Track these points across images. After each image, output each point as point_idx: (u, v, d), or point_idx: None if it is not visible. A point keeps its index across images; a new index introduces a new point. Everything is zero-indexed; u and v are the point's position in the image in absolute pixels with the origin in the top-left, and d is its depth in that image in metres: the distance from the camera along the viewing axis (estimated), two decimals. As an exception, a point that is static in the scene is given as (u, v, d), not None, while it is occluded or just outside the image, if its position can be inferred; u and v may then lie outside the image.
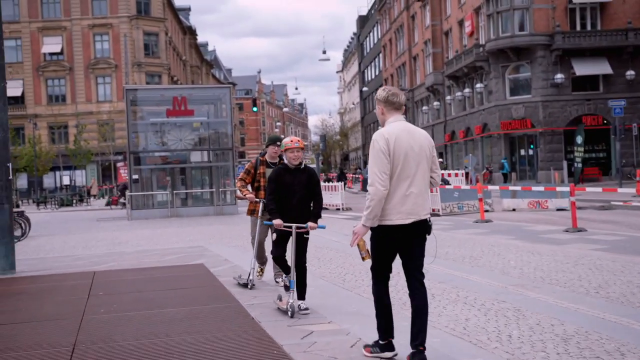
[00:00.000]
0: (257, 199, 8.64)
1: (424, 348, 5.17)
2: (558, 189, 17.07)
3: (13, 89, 60.72)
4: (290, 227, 6.97)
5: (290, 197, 7.01)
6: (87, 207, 39.33)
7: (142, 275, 10.00)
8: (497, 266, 10.31)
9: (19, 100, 61.44)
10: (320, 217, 7.16)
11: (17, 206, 41.96)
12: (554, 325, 6.52)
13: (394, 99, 5.21)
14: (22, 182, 58.22)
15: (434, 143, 5.43)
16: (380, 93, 5.28)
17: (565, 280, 8.88)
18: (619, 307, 7.20)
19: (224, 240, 15.27)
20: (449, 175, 31.90)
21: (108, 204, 38.39)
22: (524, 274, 9.52)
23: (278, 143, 8.35)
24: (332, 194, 26.63)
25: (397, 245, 5.22)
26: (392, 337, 5.43)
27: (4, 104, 11.47)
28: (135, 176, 25.22)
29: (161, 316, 7.06)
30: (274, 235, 7.33)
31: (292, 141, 7.09)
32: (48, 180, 59.91)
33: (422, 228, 5.21)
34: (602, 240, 13.14)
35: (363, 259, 5.35)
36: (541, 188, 18.86)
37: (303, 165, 7.13)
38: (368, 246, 5.31)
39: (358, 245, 5.24)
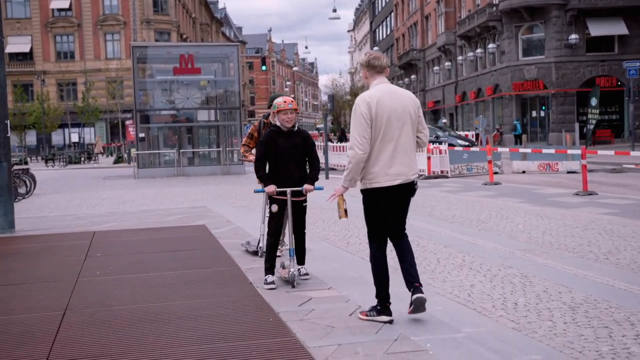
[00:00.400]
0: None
1: (420, 284, 5.31)
2: (569, 151, 16.71)
3: (21, 45, 60.43)
4: (285, 194, 6.47)
5: (286, 163, 6.47)
6: (94, 165, 39.24)
7: (142, 236, 9.83)
8: (505, 230, 10.09)
9: (27, 57, 61.10)
10: (317, 179, 6.78)
11: (25, 163, 42.02)
12: (562, 293, 6.30)
13: (376, 62, 5.18)
14: (30, 139, 58.22)
15: (419, 103, 5.46)
16: (362, 57, 5.30)
17: (575, 246, 8.65)
18: (629, 274, 6.97)
19: (229, 201, 15.08)
20: (466, 135, 31.61)
21: (116, 161, 38.31)
22: (532, 239, 9.29)
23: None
24: (340, 154, 26.36)
25: (388, 206, 5.27)
26: (389, 303, 5.37)
27: (1, 60, 11.17)
28: (141, 135, 24.99)
29: (158, 279, 6.89)
30: (274, 206, 6.54)
31: (285, 102, 6.48)
32: (57, 138, 59.87)
33: (410, 189, 5.31)
34: (613, 204, 12.87)
35: (340, 217, 5.57)
36: (552, 150, 18.52)
37: (297, 128, 6.59)
38: (346, 206, 5.51)
39: (338, 204, 5.48)
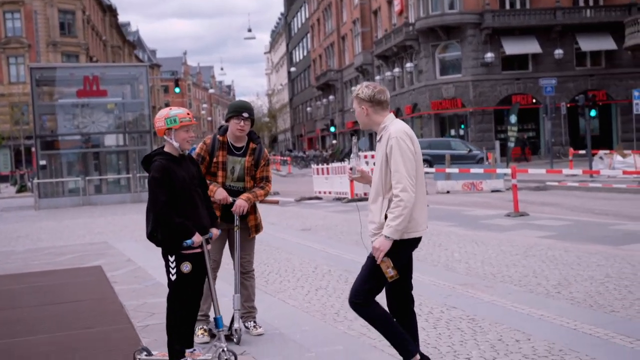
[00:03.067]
0: (232, 199, 5.63)
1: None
2: (499, 170, 16.08)
3: None
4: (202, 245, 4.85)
5: (192, 198, 4.84)
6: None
7: (22, 283, 8.36)
8: (440, 260, 9.14)
9: None
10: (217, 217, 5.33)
11: None
12: (520, 342, 5.33)
13: (382, 97, 4.43)
14: None
15: None
16: (364, 91, 4.43)
17: (519, 277, 7.76)
18: (590, 313, 6.07)
19: (135, 233, 13.62)
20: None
21: (19, 190, 35.89)
22: (472, 270, 8.36)
23: (245, 114, 5.57)
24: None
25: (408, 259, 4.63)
26: (418, 350, 4.59)
27: None
28: (42, 162, 23.09)
29: (25, 348, 5.48)
30: (186, 265, 4.74)
31: (188, 114, 4.92)
32: (-45, 167, 56.24)
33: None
34: (547, 226, 12.19)
35: (391, 278, 4.41)
36: (480, 170, 17.88)
37: (187, 152, 4.99)
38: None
39: (380, 264, 4.36)
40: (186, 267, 4.73)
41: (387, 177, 4.30)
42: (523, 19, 41.03)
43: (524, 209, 14.26)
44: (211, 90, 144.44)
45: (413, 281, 7.80)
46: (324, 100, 68.71)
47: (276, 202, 5.21)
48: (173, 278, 4.74)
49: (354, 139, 4.94)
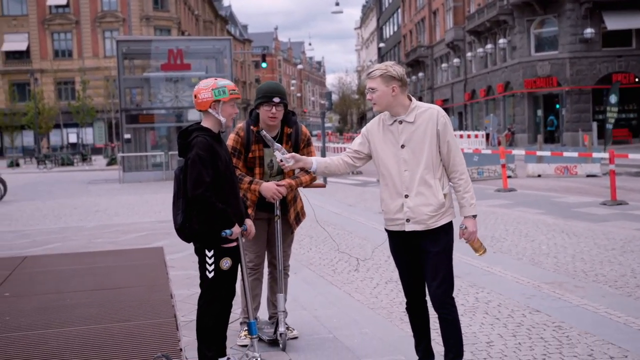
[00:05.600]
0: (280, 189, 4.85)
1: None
2: (594, 154, 14.91)
3: (18, 43, 58.89)
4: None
5: (233, 183, 4.33)
6: (85, 167, 37.60)
7: (77, 263, 8.08)
8: (526, 252, 8.35)
9: (24, 55, 59.48)
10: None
11: (17, 165, 40.48)
12: (614, 359, 4.57)
13: (406, 77, 4.23)
14: (28, 139, 56.61)
15: None
16: (396, 69, 4.15)
17: (615, 277, 6.91)
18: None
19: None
20: (468, 136, 29.80)
21: (109, 163, 36.70)
22: (560, 265, 7.56)
23: (276, 99, 4.80)
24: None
25: None
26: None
27: None
28: (127, 135, 23.26)
29: (51, 342, 5.09)
30: (226, 261, 4.21)
31: (235, 88, 4.35)
32: (55, 138, 58.21)
33: None
34: (649, 217, 11.10)
35: (482, 252, 4.27)
36: (574, 154, 16.68)
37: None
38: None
39: (474, 244, 4.24)
40: (226, 263, 4.19)
41: (437, 156, 4.09)
42: (628, -8, 38.55)
43: (622, 197, 13.14)
44: (300, 66, 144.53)
45: (493, 276, 7.14)
46: (413, 77, 67.32)
47: (322, 186, 4.70)
48: (210, 276, 4.19)
49: (263, 132, 4.59)
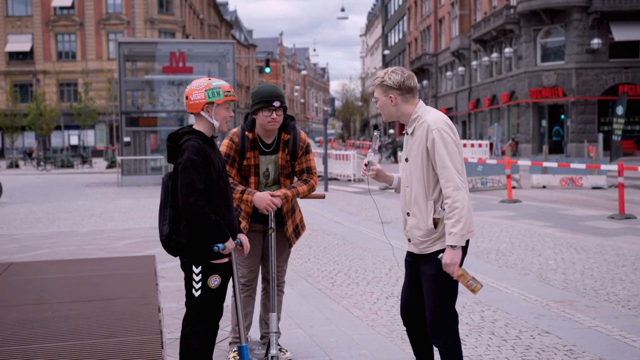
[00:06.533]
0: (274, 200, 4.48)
1: None
2: (603, 166, 14.55)
3: (22, 44, 58.70)
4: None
5: (227, 192, 3.96)
6: (85, 170, 37.29)
7: (64, 271, 7.71)
8: (533, 268, 8.00)
9: (27, 56, 59.27)
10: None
11: (16, 166, 40.19)
12: (631, 389, 4.23)
13: (411, 82, 3.82)
14: (29, 140, 56.34)
15: None
16: (392, 77, 3.78)
17: (628, 296, 6.57)
18: None
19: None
20: (472, 145, 29.44)
21: (109, 166, 36.42)
22: (569, 282, 7.21)
23: (276, 103, 4.43)
24: (343, 164, 24.24)
25: None
26: None
27: None
28: (127, 139, 22.95)
29: (35, 359, 4.72)
30: (215, 278, 3.84)
31: (230, 89, 3.94)
32: (56, 140, 58.00)
33: None
34: (659, 233, 10.75)
35: (476, 290, 3.74)
36: (582, 165, 16.33)
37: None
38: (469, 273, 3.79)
39: (462, 276, 3.72)
40: (215, 281, 3.81)
41: (430, 175, 3.70)
42: (636, 2, 38.16)
43: (630, 211, 12.80)
44: (304, 72, 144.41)
45: (499, 293, 6.80)
46: (418, 85, 67.03)
47: (322, 197, 4.41)
48: (197, 294, 3.81)
49: (375, 132, 4.06)
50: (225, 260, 3.86)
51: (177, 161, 3.79)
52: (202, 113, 3.88)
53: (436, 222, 3.70)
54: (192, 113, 3.95)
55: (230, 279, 3.97)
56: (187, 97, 3.92)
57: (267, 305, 4.77)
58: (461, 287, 3.87)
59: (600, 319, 5.82)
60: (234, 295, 4.06)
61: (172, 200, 3.81)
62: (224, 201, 3.89)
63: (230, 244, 3.82)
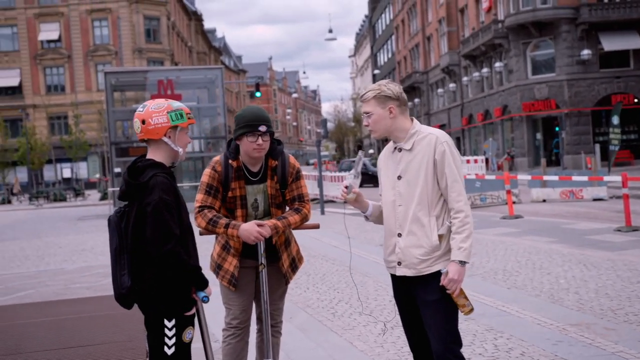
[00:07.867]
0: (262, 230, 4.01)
1: None
2: (606, 178, 14.23)
3: (10, 79, 58.42)
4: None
5: (192, 233, 3.53)
6: (78, 203, 36.87)
7: (46, 315, 7.24)
8: (543, 288, 7.60)
9: (16, 91, 58.95)
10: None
11: (9, 202, 39.71)
12: None
13: (405, 95, 3.72)
14: (22, 175, 55.80)
15: None
16: (392, 87, 3.63)
17: (649, 316, 6.16)
18: None
19: (201, 247, 12.59)
20: (467, 162, 29.10)
21: (103, 198, 36.01)
22: (584, 303, 6.81)
23: (262, 128, 3.97)
24: (339, 185, 23.82)
25: None
26: None
27: None
28: (117, 169, 22.55)
29: None
30: (190, 332, 3.46)
31: (190, 112, 3.54)
32: (49, 174, 57.51)
33: None
34: (669, 244, 10.37)
35: (470, 312, 3.54)
36: (584, 178, 16.01)
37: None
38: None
39: (457, 297, 3.55)
40: (189, 334, 3.40)
41: (433, 190, 3.52)
42: (623, 12, 38.23)
43: (635, 223, 12.43)
44: (294, 95, 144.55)
45: (511, 318, 6.39)
46: (409, 103, 66.69)
47: (316, 227, 4.08)
48: (170, 352, 3.34)
49: (360, 153, 3.79)
50: (193, 311, 3.43)
51: (144, 202, 3.28)
52: (165, 139, 3.40)
53: (440, 239, 3.53)
54: (145, 140, 3.44)
55: (199, 329, 3.52)
56: (143, 122, 3.38)
57: (263, 349, 4.34)
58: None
59: (623, 343, 5.41)
60: (204, 344, 3.60)
61: (133, 245, 3.32)
62: (191, 237, 3.45)
63: (209, 290, 3.41)
